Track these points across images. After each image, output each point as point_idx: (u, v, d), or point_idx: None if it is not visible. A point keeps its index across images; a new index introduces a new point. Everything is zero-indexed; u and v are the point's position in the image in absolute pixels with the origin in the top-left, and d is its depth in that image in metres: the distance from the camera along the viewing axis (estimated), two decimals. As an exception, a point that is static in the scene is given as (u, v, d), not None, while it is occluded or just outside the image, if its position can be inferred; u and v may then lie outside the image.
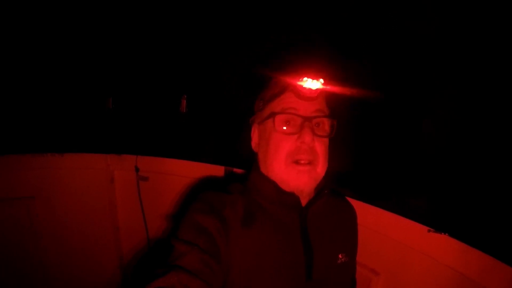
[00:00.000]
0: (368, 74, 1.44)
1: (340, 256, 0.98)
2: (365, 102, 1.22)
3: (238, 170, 1.75)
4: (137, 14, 2.00)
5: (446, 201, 1.38)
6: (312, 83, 0.91)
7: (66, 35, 1.99)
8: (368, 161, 1.64)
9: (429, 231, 1.27)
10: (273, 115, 0.93)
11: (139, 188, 2.03)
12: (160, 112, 2.14)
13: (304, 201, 0.96)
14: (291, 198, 0.93)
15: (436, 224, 1.26)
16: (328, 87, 0.94)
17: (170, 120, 2.11)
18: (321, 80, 0.93)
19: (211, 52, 1.75)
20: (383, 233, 1.42)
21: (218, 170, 1.82)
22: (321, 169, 0.92)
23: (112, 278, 2.09)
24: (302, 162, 0.90)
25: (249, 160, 1.05)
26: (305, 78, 0.92)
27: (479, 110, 1.33)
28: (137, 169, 2.02)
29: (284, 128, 0.91)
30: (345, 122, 1.09)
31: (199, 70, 1.84)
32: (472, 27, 1.26)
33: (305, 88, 0.91)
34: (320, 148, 0.91)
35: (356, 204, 1.13)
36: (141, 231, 2.04)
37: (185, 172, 1.92)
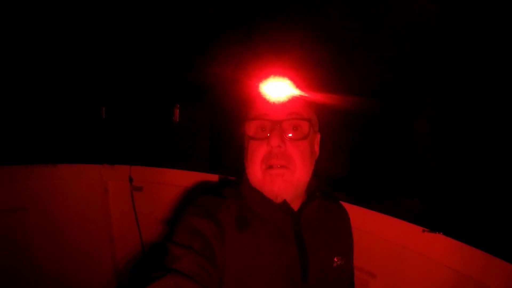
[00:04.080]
0: (360, 76, 1.46)
1: (335, 259, 0.97)
2: (357, 105, 1.23)
3: (232, 178, 1.75)
4: (127, 25, 2.01)
5: (440, 201, 1.39)
6: (278, 86, 0.90)
7: (57, 44, 1.99)
8: (361, 163, 1.65)
9: (423, 231, 1.28)
10: (245, 122, 0.94)
11: (133, 198, 2.02)
12: (153, 121, 2.15)
13: (296, 205, 0.96)
14: (277, 204, 0.92)
15: (431, 223, 1.27)
16: (298, 89, 0.92)
17: (163, 129, 2.11)
18: (288, 82, 0.92)
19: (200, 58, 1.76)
20: (378, 235, 1.42)
21: (212, 179, 1.82)
22: (300, 173, 0.90)
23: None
24: (275, 166, 0.88)
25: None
26: (271, 81, 0.90)
27: (469, 110, 1.35)
28: (131, 179, 2.01)
29: (256, 134, 0.91)
30: (336, 125, 1.10)
31: (190, 78, 1.85)
32: (466, 27, 1.28)
33: (272, 91, 0.90)
34: (295, 152, 0.89)
35: (350, 207, 1.13)
36: (135, 241, 2.02)
37: (179, 181, 1.91)
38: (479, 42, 1.29)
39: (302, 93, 0.92)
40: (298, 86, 0.92)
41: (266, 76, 0.92)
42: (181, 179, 1.90)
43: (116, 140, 2.10)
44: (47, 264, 1.88)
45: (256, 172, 0.91)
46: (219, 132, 2.07)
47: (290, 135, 0.90)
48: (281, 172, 0.88)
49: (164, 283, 0.70)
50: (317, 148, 1.00)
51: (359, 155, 1.63)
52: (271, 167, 0.88)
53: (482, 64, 1.30)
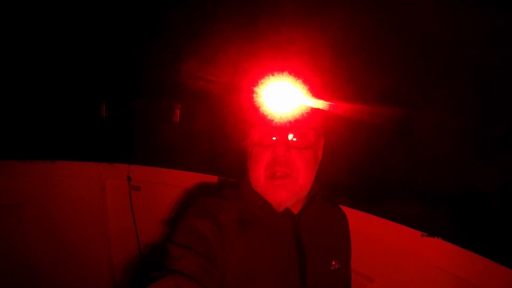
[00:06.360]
0: (359, 82, 1.47)
1: (333, 262, 0.98)
2: (360, 110, 1.23)
3: (232, 179, 1.74)
4: (129, 23, 2.01)
5: (439, 205, 1.40)
6: (285, 92, 0.89)
7: (57, 41, 1.98)
8: (360, 167, 1.65)
9: (422, 235, 1.28)
10: (250, 128, 0.93)
11: (131, 197, 2.01)
12: (153, 120, 2.14)
13: (296, 208, 0.96)
14: (277, 210, 0.92)
15: (429, 228, 1.27)
16: (305, 96, 0.91)
17: (162, 129, 2.10)
18: (295, 89, 0.91)
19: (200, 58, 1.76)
20: (377, 239, 1.43)
21: (212, 180, 1.81)
22: (303, 181, 0.90)
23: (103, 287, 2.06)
24: (278, 174, 0.88)
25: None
26: (278, 87, 0.89)
27: (469, 115, 1.36)
28: (129, 179, 2.00)
29: (261, 140, 0.91)
30: (338, 129, 1.09)
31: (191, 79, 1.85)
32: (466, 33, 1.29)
33: (279, 97, 0.89)
34: (299, 160, 0.89)
35: (349, 211, 1.13)
36: (132, 241, 2.01)
37: (178, 182, 1.90)
38: (481, 44, 1.30)
39: (309, 100, 0.92)
40: (305, 93, 0.91)
41: (272, 82, 0.91)
42: (180, 180, 1.90)
43: (115, 138, 2.10)
44: (43, 261, 1.87)
45: (259, 178, 0.91)
46: (220, 134, 2.06)
47: (295, 142, 0.90)
48: (285, 183, 0.88)
49: (165, 283, 0.69)
50: (320, 153, 1.00)
51: (359, 159, 1.63)
52: (274, 174, 0.88)
53: (482, 66, 1.30)
